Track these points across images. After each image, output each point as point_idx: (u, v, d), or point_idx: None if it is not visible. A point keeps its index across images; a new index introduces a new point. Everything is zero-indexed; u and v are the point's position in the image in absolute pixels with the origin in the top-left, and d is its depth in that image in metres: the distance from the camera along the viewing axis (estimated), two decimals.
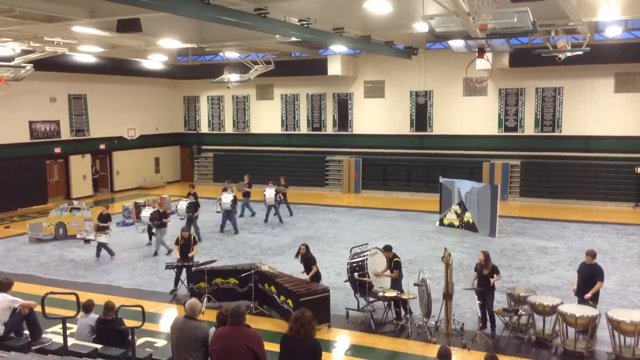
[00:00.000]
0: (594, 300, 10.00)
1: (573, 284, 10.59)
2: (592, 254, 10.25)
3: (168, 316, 11.60)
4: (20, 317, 7.95)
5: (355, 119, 27.58)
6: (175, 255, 13.22)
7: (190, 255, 13.12)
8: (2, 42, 17.18)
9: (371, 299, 11.21)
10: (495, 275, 10.45)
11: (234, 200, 18.99)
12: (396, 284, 11.37)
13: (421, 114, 26.18)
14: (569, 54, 17.48)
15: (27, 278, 14.24)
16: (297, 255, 12.33)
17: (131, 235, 18.92)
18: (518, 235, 17.95)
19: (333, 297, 11.35)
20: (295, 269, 12.62)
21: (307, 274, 11.74)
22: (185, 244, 13.15)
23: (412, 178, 26.09)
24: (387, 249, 11.56)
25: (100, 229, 16.37)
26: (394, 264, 11.35)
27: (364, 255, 11.64)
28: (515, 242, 17.14)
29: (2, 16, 13.04)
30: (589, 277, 10.12)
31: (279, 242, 17.61)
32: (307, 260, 11.86)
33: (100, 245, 16.18)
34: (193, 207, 17.85)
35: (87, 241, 17.29)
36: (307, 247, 12.04)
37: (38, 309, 7.77)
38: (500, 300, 11.13)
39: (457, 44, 10.28)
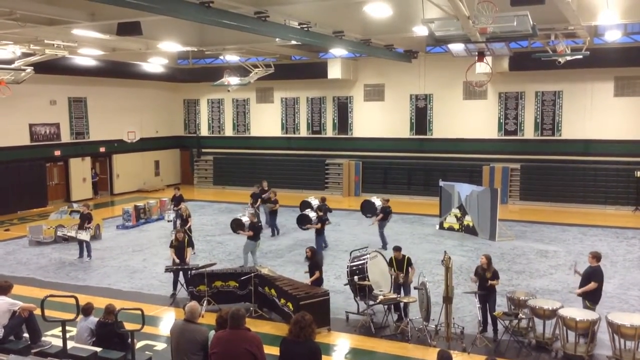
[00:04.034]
0: (593, 301, 9.98)
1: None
2: (591, 255, 10.28)
3: (168, 319, 11.59)
4: (20, 320, 7.94)
5: (355, 122, 27.60)
6: (173, 258, 13.14)
7: (187, 259, 13.06)
8: (2, 45, 17.21)
9: (371, 302, 11.20)
10: (495, 280, 10.46)
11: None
12: (407, 286, 11.49)
13: (421, 117, 26.20)
14: (568, 58, 17.49)
15: (27, 281, 14.23)
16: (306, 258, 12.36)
17: (132, 238, 18.90)
18: (518, 239, 17.94)
19: (333, 300, 11.34)
20: (296, 272, 12.64)
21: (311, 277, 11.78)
22: (179, 247, 13.09)
23: (412, 181, 26.08)
24: (397, 249, 11.70)
25: (81, 227, 16.42)
26: (409, 261, 11.53)
27: (364, 259, 11.65)
28: (515, 246, 17.13)
29: (3, 19, 13.05)
30: (586, 277, 10.16)
31: (278, 245, 17.59)
32: (314, 263, 11.86)
33: (82, 244, 16.25)
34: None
35: (66, 239, 17.37)
36: (313, 250, 12.03)
37: (37, 312, 7.76)
38: (500, 304, 11.10)
39: (456, 47, 10.28)
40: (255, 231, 14.98)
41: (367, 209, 18.67)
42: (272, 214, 18.94)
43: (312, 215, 16.93)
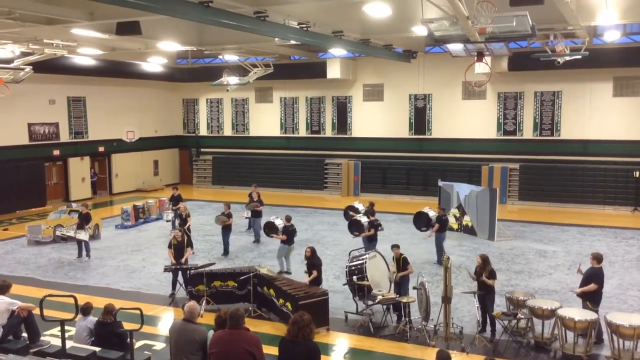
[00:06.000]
0: (594, 303, 9.96)
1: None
2: (592, 256, 10.29)
3: (167, 319, 11.58)
4: (19, 320, 7.93)
5: (354, 122, 27.60)
6: (170, 258, 13.13)
7: (184, 259, 12.99)
8: (1, 45, 17.19)
9: (370, 302, 11.20)
10: (491, 279, 10.45)
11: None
12: (404, 285, 11.49)
13: (420, 117, 26.21)
14: (567, 58, 17.50)
15: (26, 280, 14.21)
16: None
17: (131, 237, 18.89)
18: (517, 239, 17.95)
19: (332, 300, 11.35)
20: (295, 272, 12.61)
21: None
22: (179, 246, 13.06)
23: (411, 181, 26.09)
24: (396, 246, 11.75)
25: (80, 227, 16.40)
26: (404, 261, 11.56)
27: (363, 259, 11.64)
28: (514, 246, 17.14)
29: (2, 18, 13.03)
30: (586, 278, 10.17)
31: (277, 245, 17.53)
32: (312, 264, 11.85)
33: (80, 243, 16.25)
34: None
35: (64, 239, 17.37)
36: (312, 250, 12.01)
37: (36, 311, 7.75)
38: (499, 304, 11.12)
39: (456, 47, 10.27)
40: (289, 235, 14.68)
41: (421, 221, 16.89)
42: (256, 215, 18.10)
43: (364, 220, 15.45)
